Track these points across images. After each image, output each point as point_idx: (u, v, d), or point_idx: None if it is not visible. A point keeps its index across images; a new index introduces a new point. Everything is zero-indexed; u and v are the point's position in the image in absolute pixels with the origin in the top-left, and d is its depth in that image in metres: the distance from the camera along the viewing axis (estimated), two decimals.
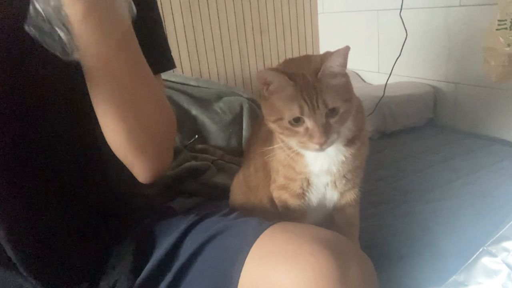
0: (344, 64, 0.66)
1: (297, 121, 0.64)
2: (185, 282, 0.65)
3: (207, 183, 1.11)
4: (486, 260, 0.39)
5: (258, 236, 0.63)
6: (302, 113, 0.63)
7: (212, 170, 1.16)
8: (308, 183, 0.74)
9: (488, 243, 0.38)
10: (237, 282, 0.62)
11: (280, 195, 0.77)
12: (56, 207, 0.63)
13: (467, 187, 1.08)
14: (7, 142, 0.58)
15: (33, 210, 0.61)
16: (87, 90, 0.63)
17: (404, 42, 1.38)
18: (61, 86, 0.62)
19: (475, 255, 0.39)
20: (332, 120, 0.64)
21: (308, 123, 0.63)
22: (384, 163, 1.28)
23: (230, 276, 0.62)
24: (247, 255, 0.63)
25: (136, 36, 0.68)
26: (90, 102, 0.64)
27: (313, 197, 0.75)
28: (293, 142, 0.67)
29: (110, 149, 0.71)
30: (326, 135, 0.64)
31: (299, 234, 0.62)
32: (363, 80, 1.88)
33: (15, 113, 0.59)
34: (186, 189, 1.08)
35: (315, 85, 0.63)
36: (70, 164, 0.65)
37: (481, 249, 0.38)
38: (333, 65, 0.64)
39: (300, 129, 0.64)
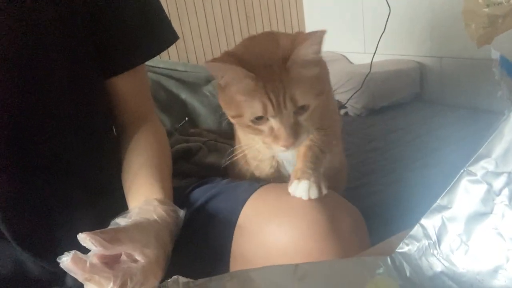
0: (319, 51, 0.56)
1: (260, 118, 0.55)
2: (178, 251, 0.66)
3: (199, 164, 1.11)
4: (466, 180, 0.40)
5: (249, 197, 0.64)
6: (265, 112, 0.54)
7: (204, 151, 1.16)
8: (278, 162, 0.72)
9: (468, 164, 0.40)
10: (230, 244, 0.63)
11: (254, 171, 0.76)
12: (49, 185, 0.64)
13: (453, 154, 1.09)
14: (2, 124, 0.58)
15: (27, 188, 0.61)
16: (88, 79, 0.65)
17: (388, 18, 1.39)
18: (63, 72, 0.62)
19: (456, 178, 0.40)
20: (301, 118, 0.56)
21: (273, 123, 0.55)
22: (374, 137, 1.29)
23: (224, 242, 0.63)
24: (239, 214, 0.64)
25: (146, 15, 0.70)
26: (90, 89, 0.66)
27: (285, 167, 0.74)
28: (256, 138, 0.61)
29: (106, 133, 0.72)
30: (294, 136, 0.55)
31: (287, 192, 0.63)
32: (350, 62, 1.90)
33: (12, 91, 0.58)
34: (179, 170, 1.09)
35: (282, 77, 0.53)
36: (64, 144, 0.65)
37: (462, 171, 0.40)
38: (306, 52, 0.54)
39: (264, 127, 0.56)
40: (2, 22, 0.55)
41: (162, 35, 0.74)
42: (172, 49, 1.64)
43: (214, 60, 0.55)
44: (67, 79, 0.63)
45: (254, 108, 0.54)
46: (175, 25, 0.76)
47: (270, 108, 0.53)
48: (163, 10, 0.75)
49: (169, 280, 0.38)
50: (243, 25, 1.87)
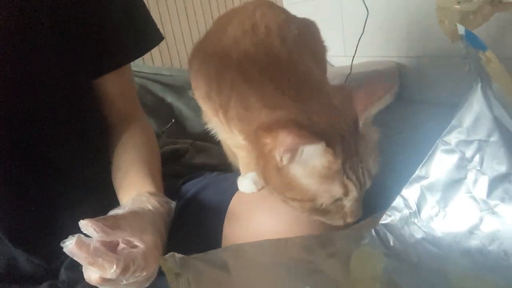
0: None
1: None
2: (172, 237, 0.67)
3: (188, 165, 1.12)
4: (441, 150, 0.43)
5: (236, 190, 0.66)
6: (346, 193, 0.44)
7: (191, 152, 1.17)
8: None
9: (442, 134, 0.42)
10: (221, 232, 0.65)
11: None
12: (42, 183, 0.64)
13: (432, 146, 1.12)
14: None
15: (18, 184, 0.62)
16: (79, 79, 0.66)
17: (366, 20, 1.44)
18: (55, 72, 0.63)
19: (432, 149, 0.43)
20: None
21: (347, 202, 0.47)
22: None
23: (215, 230, 0.65)
24: (228, 203, 0.66)
25: (131, 16, 0.71)
26: (81, 88, 0.67)
27: None
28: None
29: (97, 129, 0.73)
30: (361, 211, 0.48)
31: None
32: (332, 65, 1.94)
33: (4, 91, 0.59)
34: (168, 172, 1.10)
35: (357, 148, 0.44)
36: (57, 143, 0.65)
37: (437, 142, 0.42)
38: (376, 110, 0.44)
39: (332, 207, 0.47)
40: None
41: (148, 35, 0.76)
42: (156, 54, 1.66)
43: (289, 132, 0.40)
44: (59, 79, 0.64)
45: (333, 191, 0.44)
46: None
47: (352, 189, 0.44)
48: (148, 11, 0.77)
49: (165, 256, 0.40)
50: None
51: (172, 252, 0.40)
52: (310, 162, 0.42)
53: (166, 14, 1.64)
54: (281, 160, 0.43)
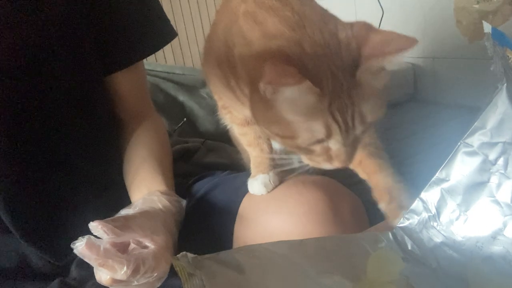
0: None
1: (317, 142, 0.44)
2: (182, 237, 0.67)
3: (198, 164, 1.12)
4: (463, 153, 0.41)
5: (247, 190, 0.65)
6: (329, 135, 0.42)
7: (203, 150, 1.17)
8: None
9: (464, 136, 0.41)
10: (232, 233, 0.64)
11: None
12: (52, 179, 0.64)
13: (451, 148, 1.11)
14: (6, 117, 0.59)
15: (29, 182, 0.62)
16: (91, 76, 0.66)
17: (381, 20, 1.42)
18: (67, 68, 0.63)
19: (453, 151, 0.42)
20: (362, 133, 0.45)
21: (333, 145, 0.44)
22: None
23: (226, 230, 0.64)
24: (239, 204, 0.65)
25: (145, 12, 0.71)
26: (93, 85, 0.67)
27: None
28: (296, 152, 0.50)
29: (108, 126, 0.73)
30: (352, 154, 0.45)
31: (287, 181, 0.64)
32: None
33: (15, 87, 0.59)
34: (179, 171, 1.09)
35: (351, 91, 0.41)
36: (67, 139, 0.66)
37: (458, 144, 0.41)
38: (386, 61, 0.41)
39: (317, 147, 0.45)
40: (7, 16, 0.56)
41: (160, 32, 0.76)
42: (169, 54, 1.66)
43: (273, 66, 0.38)
44: (70, 76, 0.64)
45: (315, 131, 0.42)
46: None
47: (336, 131, 0.42)
48: (161, 8, 0.76)
49: (178, 255, 0.39)
50: None
51: (184, 252, 0.40)
52: (293, 98, 0.40)
53: (179, 13, 1.64)
54: (264, 93, 0.42)
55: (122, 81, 0.73)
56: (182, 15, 1.68)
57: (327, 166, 0.46)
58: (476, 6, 0.96)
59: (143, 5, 0.72)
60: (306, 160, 0.48)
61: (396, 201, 0.52)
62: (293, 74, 0.38)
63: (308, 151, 0.45)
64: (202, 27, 1.76)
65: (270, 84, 0.40)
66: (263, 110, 0.44)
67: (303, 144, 0.44)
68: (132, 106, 0.75)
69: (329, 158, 0.45)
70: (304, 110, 0.41)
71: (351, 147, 0.44)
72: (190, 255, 0.41)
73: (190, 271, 0.32)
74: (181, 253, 0.41)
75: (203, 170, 1.08)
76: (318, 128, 0.41)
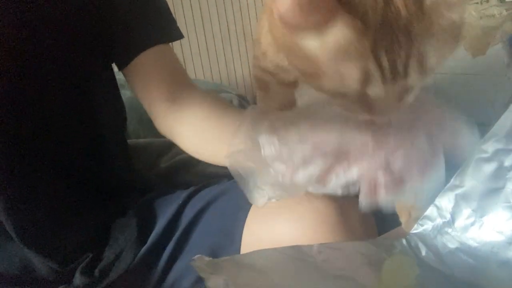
0: None
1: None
2: (188, 247, 0.66)
3: (201, 174, 1.11)
4: (478, 159, 0.42)
5: None
6: (365, 82, 0.31)
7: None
8: None
9: (479, 143, 0.41)
10: (240, 240, 0.63)
11: None
12: (53, 183, 0.64)
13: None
14: (6, 119, 0.58)
15: (30, 186, 0.62)
16: (88, 74, 0.65)
17: None
18: (62, 70, 0.63)
19: (468, 157, 0.42)
20: (416, 84, 0.33)
21: (372, 90, 0.32)
22: None
23: (232, 234, 0.64)
24: (247, 213, 0.65)
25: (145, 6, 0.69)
26: (90, 85, 0.66)
27: None
28: None
29: (110, 130, 0.72)
30: (395, 107, 0.34)
31: None
32: None
33: (15, 90, 0.59)
34: (182, 180, 1.09)
35: (409, 28, 0.29)
36: (68, 142, 0.65)
37: (473, 150, 0.41)
38: None
39: (349, 91, 0.34)
40: (6, 12, 0.56)
41: (169, 29, 0.75)
42: None
43: None
44: (70, 75, 0.64)
45: (347, 75, 0.31)
46: (176, 45, 0.76)
47: (377, 79, 0.31)
48: (167, 6, 0.76)
49: (193, 258, 0.39)
50: (241, 44, 1.91)
51: (200, 255, 0.39)
52: (325, 31, 0.29)
53: (183, 26, 1.66)
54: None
55: (145, 63, 0.70)
56: (186, 28, 1.70)
57: (364, 116, 0.35)
58: (480, 21, 0.97)
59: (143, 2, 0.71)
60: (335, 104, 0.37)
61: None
62: (334, 8, 0.28)
63: (337, 93, 0.34)
64: (206, 41, 1.78)
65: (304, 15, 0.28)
66: (281, 32, 0.33)
67: (329, 86, 0.33)
68: (167, 83, 0.72)
69: (368, 106, 0.34)
70: (340, 47, 0.29)
71: (398, 97, 0.33)
72: (205, 257, 0.41)
73: (211, 272, 0.32)
74: (196, 255, 0.40)
75: (206, 179, 1.08)
76: (351, 73, 0.30)
